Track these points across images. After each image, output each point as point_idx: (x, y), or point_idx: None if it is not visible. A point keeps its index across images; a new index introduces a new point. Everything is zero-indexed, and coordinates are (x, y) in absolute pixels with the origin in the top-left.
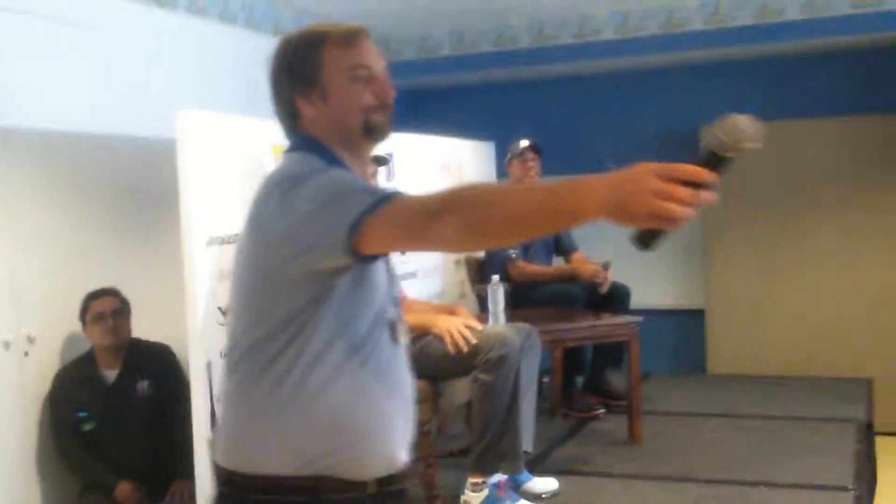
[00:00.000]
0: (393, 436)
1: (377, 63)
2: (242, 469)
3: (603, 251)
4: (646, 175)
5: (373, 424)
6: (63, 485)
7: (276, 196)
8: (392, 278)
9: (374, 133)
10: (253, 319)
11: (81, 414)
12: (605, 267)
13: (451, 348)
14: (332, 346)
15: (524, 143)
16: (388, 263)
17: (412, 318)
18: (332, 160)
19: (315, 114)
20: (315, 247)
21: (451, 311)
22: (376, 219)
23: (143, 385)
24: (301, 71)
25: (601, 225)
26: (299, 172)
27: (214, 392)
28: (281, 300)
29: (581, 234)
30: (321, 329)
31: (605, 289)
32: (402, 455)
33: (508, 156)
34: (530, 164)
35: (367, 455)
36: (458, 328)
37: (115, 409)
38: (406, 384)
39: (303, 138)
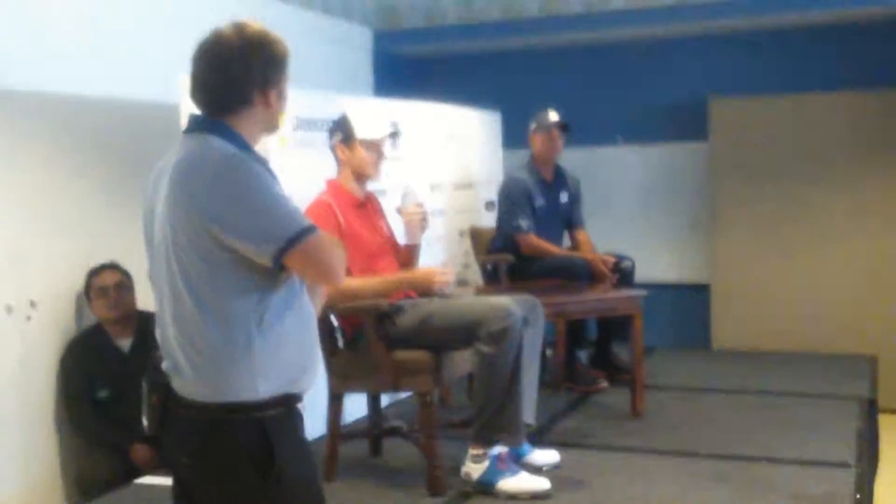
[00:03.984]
0: (318, 355)
1: None
2: (237, 399)
3: (613, 228)
4: None
5: (312, 346)
6: (71, 444)
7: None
8: None
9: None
10: (221, 282)
11: (97, 382)
12: (615, 269)
13: (439, 285)
14: (284, 297)
15: (553, 117)
16: None
17: (387, 282)
18: (242, 144)
19: (264, 108)
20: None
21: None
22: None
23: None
24: (275, 70)
25: (608, 200)
26: (241, 160)
27: None
28: (246, 266)
29: (589, 206)
30: (279, 288)
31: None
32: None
33: (534, 125)
34: (557, 141)
35: (310, 373)
36: (436, 272)
37: (131, 376)
38: (313, 312)
39: (213, 122)
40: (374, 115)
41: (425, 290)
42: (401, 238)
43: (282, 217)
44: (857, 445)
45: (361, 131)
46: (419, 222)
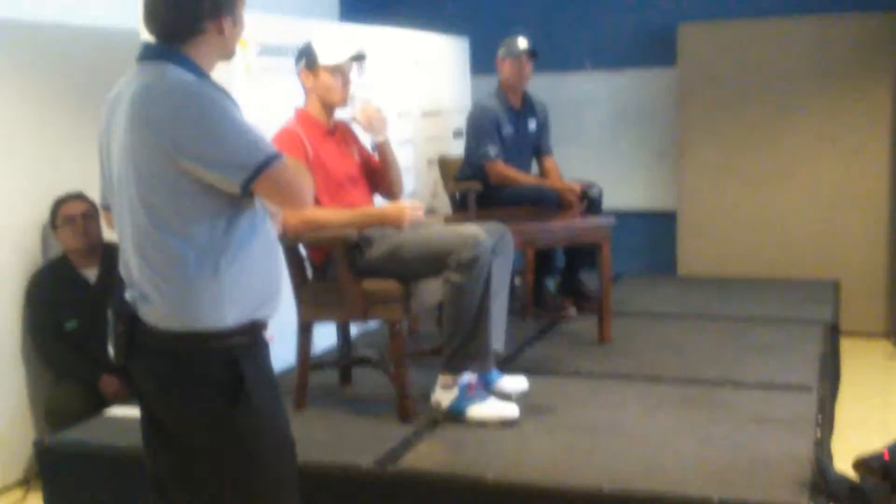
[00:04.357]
0: (281, 281)
1: None
2: (205, 326)
3: (581, 155)
4: None
5: (277, 273)
6: (38, 377)
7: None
8: None
9: (232, 55)
10: (188, 211)
11: (64, 313)
12: (583, 198)
13: (409, 221)
14: (249, 224)
15: (523, 44)
16: None
17: (357, 216)
18: (197, 72)
19: (218, 35)
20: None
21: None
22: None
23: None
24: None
25: (576, 127)
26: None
27: None
28: (212, 195)
29: (557, 133)
30: (244, 214)
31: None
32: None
33: (502, 52)
34: (525, 68)
35: (275, 298)
36: (405, 208)
37: (98, 307)
38: (276, 238)
39: (167, 50)
40: (337, 39)
41: (395, 225)
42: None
43: (247, 144)
44: (819, 369)
45: (324, 57)
46: (375, 113)
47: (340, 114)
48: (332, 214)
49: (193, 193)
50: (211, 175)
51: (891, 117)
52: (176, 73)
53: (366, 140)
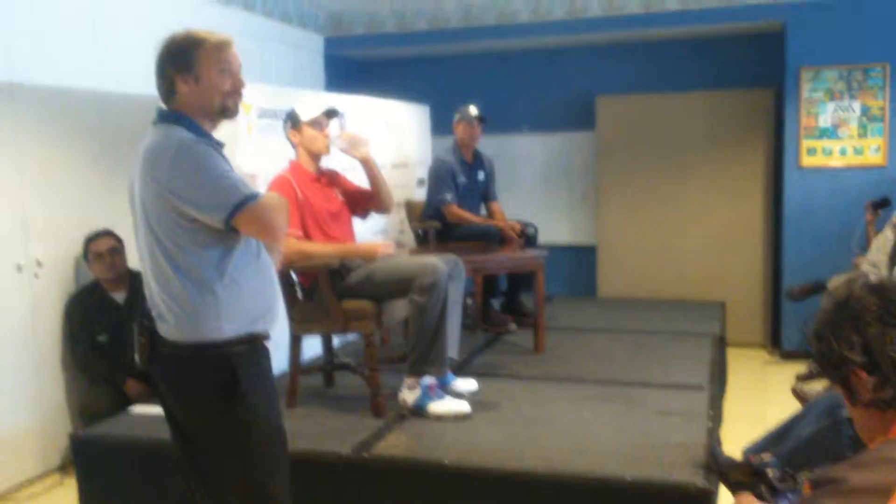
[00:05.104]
0: (277, 301)
1: (236, 63)
2: (206, 339)
3: (519, 200)
4: None
5: (272, 294)
6: (74, 381)
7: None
8: None
9: (227, 111)
10: (188, 245)
11: (97, 329)
12: (521, 234)
13: (381, 255)
14: (242, 254)
15: (474, 111)
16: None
17: (339, 249)
18: (197, 130)
19: (188, 91)
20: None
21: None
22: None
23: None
24: (183, 60)
25: (516, 178)
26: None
27: None
28: (206, 231)
29: (500, 182)
30: (236, 248)
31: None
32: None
33: (458, 117)
34: (476, 130)
35: (270, 315)
36: (378, 245)
37: (124, 324)
38: (272, 266)
39: (172, 113)
40: (313, 102)
41: (369, 258)
42: (360, 177)
43: (228, 188)
44: (709, 372)
45: (304, 115)
46: (352, 137)
47: (327, 162)
48: (319, 247)
49: (191, 231)
50: (200, 214)
51: (764, 171)
52: (178, 133)
53: (352, 170)
